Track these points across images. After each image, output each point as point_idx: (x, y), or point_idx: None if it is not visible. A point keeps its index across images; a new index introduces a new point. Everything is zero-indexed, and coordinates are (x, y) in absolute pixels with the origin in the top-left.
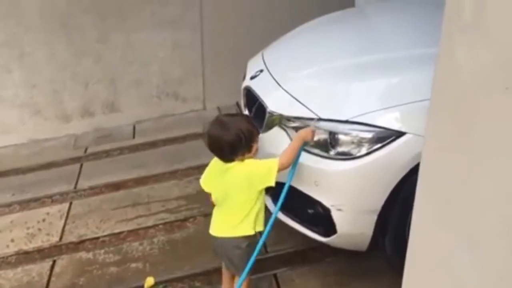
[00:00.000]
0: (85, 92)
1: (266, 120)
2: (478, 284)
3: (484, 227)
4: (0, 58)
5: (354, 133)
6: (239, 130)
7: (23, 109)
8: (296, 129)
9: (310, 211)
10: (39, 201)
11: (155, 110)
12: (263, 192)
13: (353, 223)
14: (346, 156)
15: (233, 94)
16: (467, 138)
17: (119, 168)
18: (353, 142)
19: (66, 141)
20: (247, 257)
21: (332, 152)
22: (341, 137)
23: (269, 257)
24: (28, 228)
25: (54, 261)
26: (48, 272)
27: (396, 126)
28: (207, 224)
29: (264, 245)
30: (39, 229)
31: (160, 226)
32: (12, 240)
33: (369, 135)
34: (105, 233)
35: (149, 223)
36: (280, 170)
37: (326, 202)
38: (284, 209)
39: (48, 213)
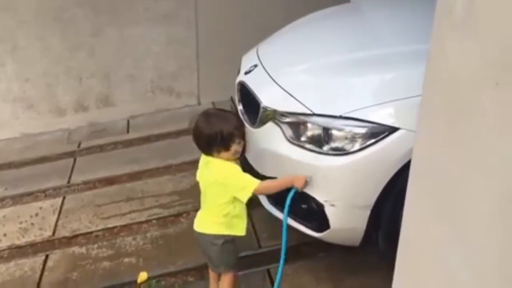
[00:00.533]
0: (79, 87)
1: (260, 115)
2: (469, 277)
3: (475, 220)
4: None
5: (348, 128)
6: (219, 129)
7: (16, 103)
8: (290, 124)
9: (303, 206)
10: (32, 196)
11: (149, 105)
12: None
13: (346, 218)
14: (340, 152)
15: (227, 89)
16: (458, 133)
17: (113, 163)
18: (346, 138)
19: (59, 135)
20: (224, 254)
21: (325, 148)
22: (335, 132)
23: (262, 253)
24: (21, 223)
25: (47, 256)
26: (40, 267)
27: (389, 121)
28: None
29: (257, 241)
30: (32, 224)
31: (154, 221)
32: (5, 235)
33: (362, 131)
34: (98, 228)
35: (143, 218)
36: (256, 193)
37: (319, 198)
38: (277, 204)
39: (41, 208)
